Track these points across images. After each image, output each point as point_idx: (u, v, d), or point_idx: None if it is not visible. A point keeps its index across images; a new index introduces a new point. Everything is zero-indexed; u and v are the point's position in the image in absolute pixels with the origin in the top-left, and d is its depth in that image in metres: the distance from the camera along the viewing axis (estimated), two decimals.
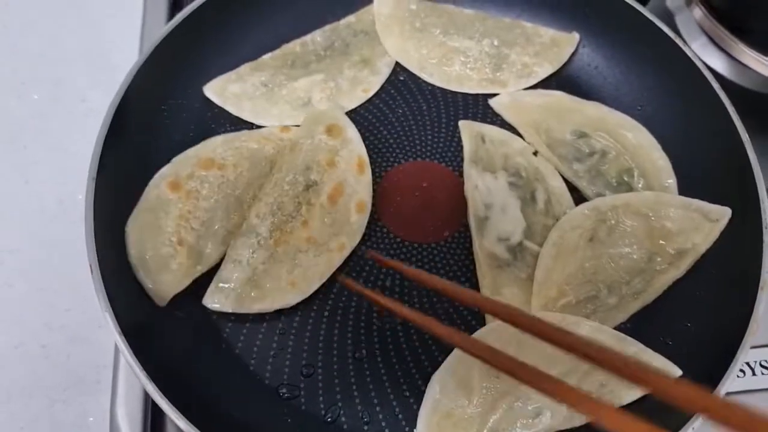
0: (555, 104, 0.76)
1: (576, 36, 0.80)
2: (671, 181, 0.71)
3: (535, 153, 0.73)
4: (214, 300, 0.62)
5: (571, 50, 0.80)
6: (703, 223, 0.66)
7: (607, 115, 0.75)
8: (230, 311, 0.62)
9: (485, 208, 0.69)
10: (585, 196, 0.71)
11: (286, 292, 0.62)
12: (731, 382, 0.55)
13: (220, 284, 0.63)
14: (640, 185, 0.70)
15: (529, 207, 0.69)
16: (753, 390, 0.67)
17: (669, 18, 0.89)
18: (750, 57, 0.79)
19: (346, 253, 0.65)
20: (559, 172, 0.72)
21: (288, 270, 0.63)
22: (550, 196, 0.70)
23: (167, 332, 0.61)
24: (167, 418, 0.60)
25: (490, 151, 0.73)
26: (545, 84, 0.79)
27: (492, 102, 0.77)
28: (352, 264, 0.67)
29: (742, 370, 0.67)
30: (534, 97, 0.77)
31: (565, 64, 0.79)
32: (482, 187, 0.70)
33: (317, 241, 0.64)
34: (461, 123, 0.75)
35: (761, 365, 0.68)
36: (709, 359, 0.58)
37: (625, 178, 0.71)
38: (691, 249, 0.65)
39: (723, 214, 0.66)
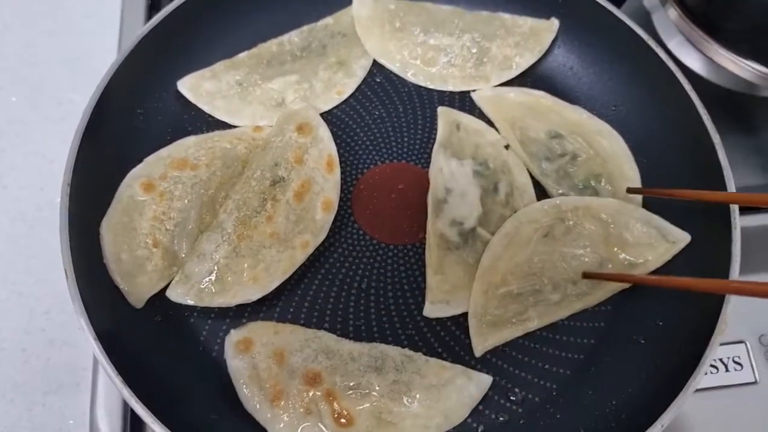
0: (536, 103, 0.77)
1: (555, 22, 0.80)
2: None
3: (507, 146, 0.74)
4: (177, 292, 0.62)
5: (551, 37, 0.80)
6: (659, 242, 0.66)
7: (586, 119, 0.76)
8: (192, 304, 0.62)
9: (446, 191, 0.70)
10: (549, 195, 0.72)
11: (247, 287, 0.63)
12: (702, 379, 0.56)
13: (184, 277, 0.63)
14: (605, 192, 0.71)
15: (489, 196, 0.70)
16: (725, 386, 0.68)
17: (646, 17, 0.90)
18: (723, 57, 0.79)
19: (310, 250, 0.65)
20: (527, 170, 0.73)
21: (250, 265, 0.63)
22: (513, 189, 0.71)
23: (143, 336, 0.61)
24: None
25: (462, 139, 0.74)
26: (522, 80, 0.79)
27: (474, 95, 0.78)
28: (316, 263, 0.68)
29: (715, 367, 0.68)
30: (517, 94, 0.77)
31: (540, 64, 0.80)
32: (446, 171, 0.71)
33: (281, 238, 0.65)
34: (440, 109, 0.76)
35: (734, 361, 0.69)
36: (680, 357, 0.59)
37: (592, 183, 0.71)
38: (642, 264, 0.66)
39: (681, 237, 0.66)
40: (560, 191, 0.71)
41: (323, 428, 0.57)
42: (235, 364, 0.60)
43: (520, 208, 0.70)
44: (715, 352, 0.57)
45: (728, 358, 0.69)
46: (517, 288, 0.65)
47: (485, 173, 0.71)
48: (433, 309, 0.65)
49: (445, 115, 0.76)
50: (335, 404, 0.58)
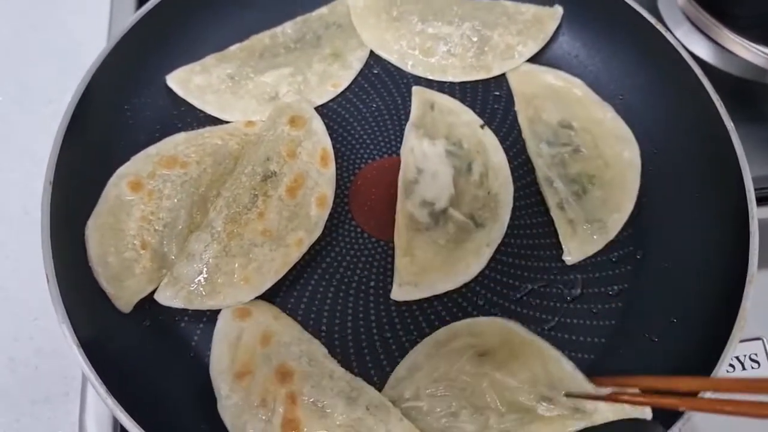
0: (565, 90, 0.75)
1: (559, 9, 0.78)
2: (616, 215, 0.67)
3: (483, 126, 0.72)
4: (165, 295, 0.60)
5: (555, 25, 0.77)
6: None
7: (609, 120, 0.73)
8: (181, 307, 0.60)
9: (417, 171, 0.68)
10: (536, 173, 0.70)
11: (238, 288, 0.60)
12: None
13: (173, 279, 0.60)
14: (593, 196, 0.68)
15: (462, 177, 0.68)
16: None
17: (652, 4, 0.88)
18: (734, 42, 0.77)
19: (304, 249, 0.63)
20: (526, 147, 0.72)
21: (241, 265, 0.61)
22: (487, 170, 0.69)
23: (131, 342, 0.59)
24: None
25: (436, 119, 0.72)
26: None
27: (509, 72, 0.76)
28: (312, 262, 0.65)
29: (731, 365, 0.66)
30: (551, 76, 0.76)
31: (544, 53, 0.77)
32: (418, 151, 0.69)
33: (273, 235, 0.62)
34: (414, 88, 0.74)
35: (750, 359, 0.67)
36: (697, 356, 0.56)
37: (584, 181, 0.69)
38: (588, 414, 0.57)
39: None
40: (548, 174, 0.69)
41: (267, 427, 0.55)
42: (225, 325, 0.59)
43: (495, 188, 0.68)
44: (735, 348, 0.54)
45: (744, 355, 0.67)
46: (427, 407, 0.58)
47: (458, 153, 0.69)
48: (400, 292, 0.63)
49: (419, 94, 0.74)
50: (291, 409, 0.55)
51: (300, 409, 0.55)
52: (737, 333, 0.54)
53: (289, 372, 0.57)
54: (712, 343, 0.55)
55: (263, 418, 0.55)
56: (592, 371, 0.60)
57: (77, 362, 0.52)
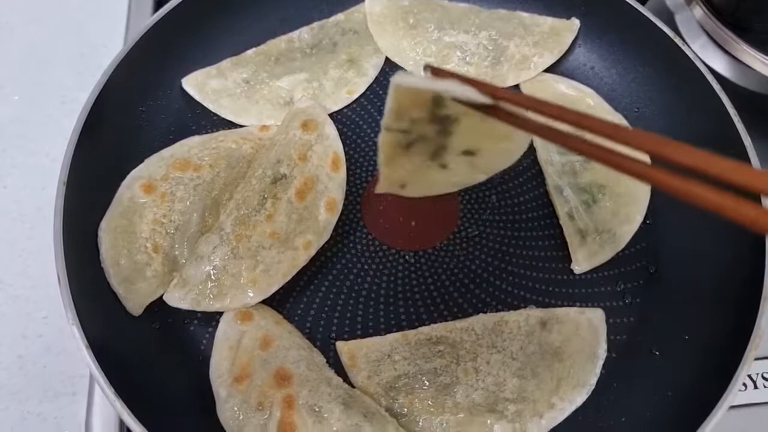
0: (577, 100, 0.74)
1: (576, 22, 0.77)
2: (626, 227, 0.67)
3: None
4: (174, 296, 0.60)
5: (572, 37, 0.77)
6: None
7: None
8: (189, 308, 0.60)
9: None
10: (546, 182, 0.70)
11: (245, 291, 0.60)
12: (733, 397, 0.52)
13: (182, 281, 0.60)
14: (602, 205, 0.68)
15: None
16: (755, 404, 0.64)
17: (669, 17, 0.87)
18: (751, 57, 0.76)
19: (312, 252, 0.62)
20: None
21: (249, 267, 0.60)
22: None
23: (141, 344, 0.58)
24: None
25: None
26: None
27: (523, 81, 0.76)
28: (323, 269, 0.65)
29: (744, 383, 0.65)
30: (563, 86, 0.76)
31: (560, 64, 0.77)
32: None
33: (281, 237, 0.61)
34: None
35: (763, 377, 0.66)
36: (710, 374, 0.55)
37: (594, 190, 0.68)
38: None
39: None
40: (558, 182, 0.69)
41: (263, 430, 0.55)
42: (226, 327, 0.60)
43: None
44: (749, 367, 0.53)
45: (757, 374, 0.66)
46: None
47: None
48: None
49: None
50: (288, 413, 0.54)
51: (296, 413, 0.55)
52: (752, 352, 0.53)
53: (287, 375, 0.56)
54: (725, 362, 0.54)
55: (260, 423, 0.55)
56: (599, 388, 0.59)
57: (85, 363, 0.51)
